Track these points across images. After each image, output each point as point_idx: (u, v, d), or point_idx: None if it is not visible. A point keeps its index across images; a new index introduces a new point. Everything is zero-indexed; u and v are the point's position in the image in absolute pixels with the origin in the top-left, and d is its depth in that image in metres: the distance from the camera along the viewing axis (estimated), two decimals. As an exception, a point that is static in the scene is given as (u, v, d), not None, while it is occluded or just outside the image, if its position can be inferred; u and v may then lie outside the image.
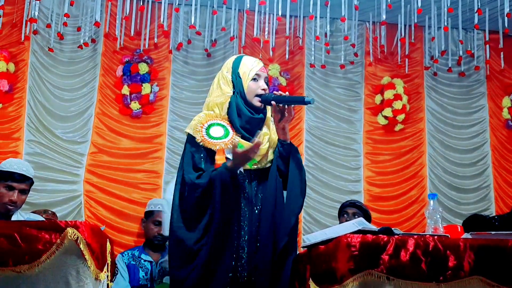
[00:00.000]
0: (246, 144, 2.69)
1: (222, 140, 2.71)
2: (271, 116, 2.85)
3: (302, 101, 2.74)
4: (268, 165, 2.79)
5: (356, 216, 4.18)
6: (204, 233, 2.62)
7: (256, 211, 2.73)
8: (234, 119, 2.76)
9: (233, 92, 2.80)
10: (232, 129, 2.75)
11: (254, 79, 2.80)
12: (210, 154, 2.72)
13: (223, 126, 2.75)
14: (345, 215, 4.35)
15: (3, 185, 3.43)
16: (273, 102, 2.73)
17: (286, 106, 2.73)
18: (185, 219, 2.67)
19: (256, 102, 2.78)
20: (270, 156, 2.79)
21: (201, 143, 2.70)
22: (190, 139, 2.77)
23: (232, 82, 2.82)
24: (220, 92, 2.82)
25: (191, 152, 2.73)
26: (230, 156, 2.65)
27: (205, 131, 2.73)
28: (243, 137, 2.74)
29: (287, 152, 2.77)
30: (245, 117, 2.76)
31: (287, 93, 2.93)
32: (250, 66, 2.82)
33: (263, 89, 2.79)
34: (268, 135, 2.80)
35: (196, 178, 2.65)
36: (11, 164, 3.53)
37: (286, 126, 2.77)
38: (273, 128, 2.84)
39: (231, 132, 2.74)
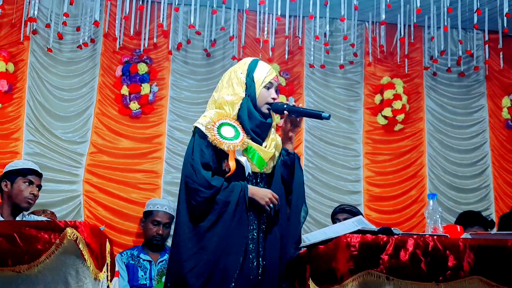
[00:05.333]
0: (255, 147, 2.72)
1: (234, 141, 2.72)
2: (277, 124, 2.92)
3: (319, 116, 2.79)
4: (270, 170, 2.84)
5: None
6: (202, 237, 2.65)
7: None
8: (244, 121, 2.78)
9: (246, 95, 2.82)
10: (242, 130, 2.76)
11: (267, 87, 2.83)
12: (218, 153, 2.73)
13: (233, 126, 2.77)
14: (337, 222, 4.36)
15: (23, 181, 3.62)
16: (285, 112, 2.78)
17: (298, 118, 2.80)
18: (191, 215, 2.69)
19: (265, 109, 2.83)
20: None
21: (212, 142, 2.71)
22: (200, 133, 2.75)
23: (246, 84, 2.83)
24: (232, 91, 2.82)
25: (200, 147, 2.72)
26: (240, 158, 2.69)
27: (217, 130, 2.74)
28: (252, 139, 2.78)
29: (291, 161, 2.83)
30: (255, 121, 2.79)
31: (300, 104, 2.98)
32: (265, 73, 2.86)
33: (273, 98, 2.83)
34: (274, 141, 2.86)
35: (211, 178, 2.66)
36: (24, 163, 3.82)
37: (293, 136, 2.84)
38: (277, 134, 2.90)
39: (241, 133, 2.76)
